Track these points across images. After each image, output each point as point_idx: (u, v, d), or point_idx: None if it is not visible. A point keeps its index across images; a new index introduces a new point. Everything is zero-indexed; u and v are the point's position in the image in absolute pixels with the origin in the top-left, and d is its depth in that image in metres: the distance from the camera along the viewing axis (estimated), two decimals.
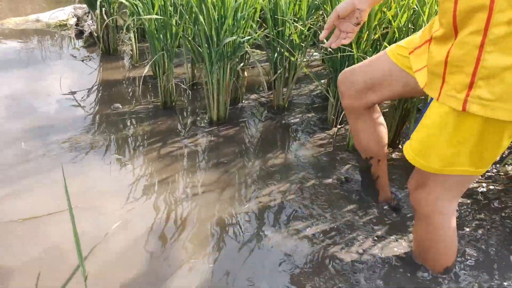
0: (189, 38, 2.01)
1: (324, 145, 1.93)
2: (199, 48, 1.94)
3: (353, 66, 1.29)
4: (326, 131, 2.05)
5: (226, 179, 1.64)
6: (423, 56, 1.02)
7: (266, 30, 2.02)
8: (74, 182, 1.54)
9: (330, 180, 1.67)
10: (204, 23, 1.77)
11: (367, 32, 1.68)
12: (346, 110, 1.35)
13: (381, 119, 1.37)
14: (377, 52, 1.73)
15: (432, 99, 0.96)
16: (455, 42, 0.85)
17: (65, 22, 3.41)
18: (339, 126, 2.07)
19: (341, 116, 1.99)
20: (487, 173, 1.80)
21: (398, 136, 1.91)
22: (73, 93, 2.29)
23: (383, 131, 1.37)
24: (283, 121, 2.12)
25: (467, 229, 1.46)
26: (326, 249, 1.32)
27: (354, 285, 1.19)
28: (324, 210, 1.49)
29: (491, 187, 1.71)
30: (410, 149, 1.04)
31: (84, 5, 3.36)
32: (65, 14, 3.45)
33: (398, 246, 1.35)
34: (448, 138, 0.94)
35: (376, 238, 1.38)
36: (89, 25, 3.10)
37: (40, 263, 1.18)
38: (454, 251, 1.19)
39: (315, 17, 1.95)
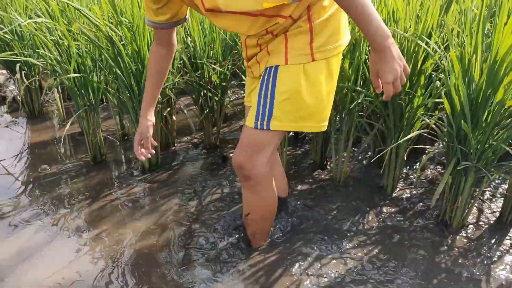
0: (112, 91, 2.03)
1: None
2: (122, 99, 1.97)
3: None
4: None
5: (161, 223, 1.63)
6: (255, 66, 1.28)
7: (187, 75, 2.09)
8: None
9: None
10: (122, 75, 1.82)
11: None
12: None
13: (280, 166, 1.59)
14: None
15: (270, 74, 1.16)
16: (293, 26, 1.13)
17: None
18: None
19: None
20: (409, 179, 1.93)
21: (324, 158, 2.02)
22: (1, 157, 2.21)
23: (283, 172, 1.61)
24: (216, 158, 2.17)
25: (398, 234, 1.55)
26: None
27: None
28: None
29: (414, 192, 1.84)
30: (279, 123, 1.16)
31: (5, 71, 3.29)
32: None
33: None
34: (308, 91, 1.14)
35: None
36: (11, 90, 3.03)
37: None
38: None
39: (230, 58, 2.05)
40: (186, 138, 2.41)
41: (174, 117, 2.25)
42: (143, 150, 1.38)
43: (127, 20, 1.82)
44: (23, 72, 2.56)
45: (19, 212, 1.73)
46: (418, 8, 1.55)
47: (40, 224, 1.65)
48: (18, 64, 2.53)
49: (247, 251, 1.45)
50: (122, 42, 1.80)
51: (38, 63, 2.03)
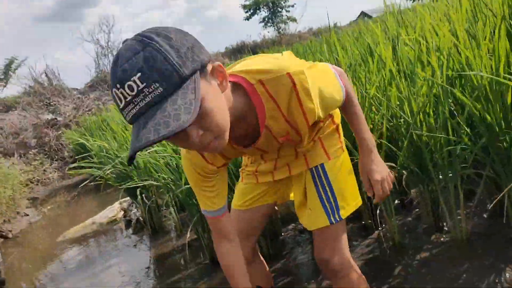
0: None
1: (373, 251, 1.93)
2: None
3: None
4: (369, 237, 2.07)
5: None
6: (283, 169, 1.35)
7: None
8: None
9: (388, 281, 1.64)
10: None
11: None
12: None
13: (261, 258, 1.63)
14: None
15: (319, 173, 1.28)
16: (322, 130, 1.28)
17: (114, 218, 3.81)
18: (380, 228, 2.09)
19: (377, 219, 2.03)
20: None
21: (438, 220, 1.91)
22: (133, 274, 2.47)
23: (266, 267, 1.64)
24: None
25: None
26: None
27: None
28: None
29: None
30: (345, 211, 1.27)
31: (127, 198, 3.80)
32: (114, 210, 3.88)
33: None
34: (348, 175, 1.30)
35: None
36: (135, 213, 3.45)
37: None
38: None
39: None
40: (292, 225, 2.48)
41: (276, 207, 2.36)
42: None
43: None
44: (143, 195, 2.94)
45: None
46: None
47: None
48: (138, 189, 2.92)
49: None
50: None
51: (156, 183, 2.34)
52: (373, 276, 1.72)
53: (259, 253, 1.71)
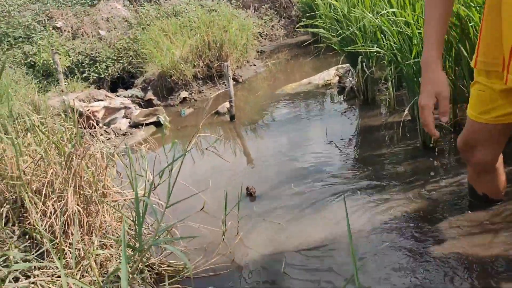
0: (450, 78, 1.96)
1: None
2: (462, 87, 1.87)
3: (465, 137, 1.35)
4: None
5: (492, 224, 1.46)
6: None
7: None
8: (337, 216, 1.72)
9: None
10: (468, 57, 1.72)
11: None
12: (478, 168, 1.42)
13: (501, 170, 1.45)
14: None
15: None
16: None
17: (329, 82, 3.91)
18: None
19: None
20: None
21: None
22: (336, 139, 2.58)
23: (500, 180, 1.48)
24: None
25: None
26: None
27: None
28: None
29: None
30: None
31: (345, 65, 3.78)
32: (330, 75, 3.96)
33: None
34: None
35: None
36: (350, 81, 3.44)
37: None
38: None
39: None
40: None
41: None
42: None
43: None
44: (363, 64, 2.85)
45: (351, 182, 1.97)
46: None
47: (366, 196, 1.81)
48: (359, 57, 2.83)
49: None
50: (471, 24, 1.69)
51: (384, 52, 2.19)
52: None
53: (502, 164, 1.47)
